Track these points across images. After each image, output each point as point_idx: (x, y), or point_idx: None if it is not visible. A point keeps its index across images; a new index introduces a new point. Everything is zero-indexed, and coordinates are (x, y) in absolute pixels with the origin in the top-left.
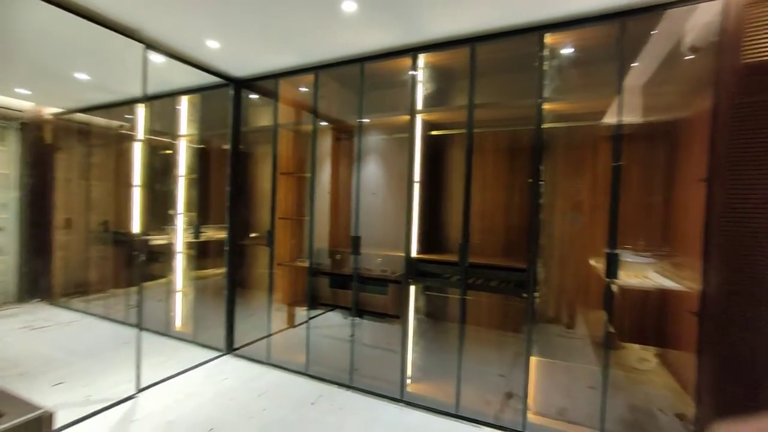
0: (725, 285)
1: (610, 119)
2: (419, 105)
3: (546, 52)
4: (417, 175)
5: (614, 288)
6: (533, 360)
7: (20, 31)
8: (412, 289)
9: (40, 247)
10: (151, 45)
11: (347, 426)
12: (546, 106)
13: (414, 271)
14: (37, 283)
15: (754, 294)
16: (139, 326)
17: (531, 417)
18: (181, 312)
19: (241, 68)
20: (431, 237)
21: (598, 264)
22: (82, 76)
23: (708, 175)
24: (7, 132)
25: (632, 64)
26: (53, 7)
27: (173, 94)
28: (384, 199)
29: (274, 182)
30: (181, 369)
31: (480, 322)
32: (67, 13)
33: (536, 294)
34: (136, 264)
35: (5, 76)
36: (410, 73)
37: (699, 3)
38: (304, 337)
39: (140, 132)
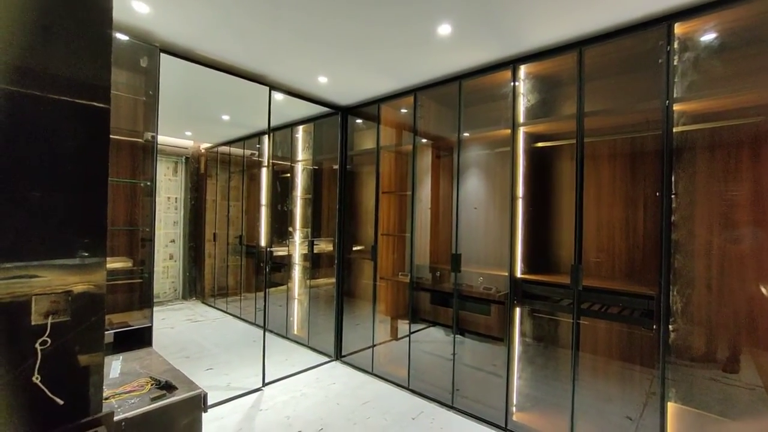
0: None
1: None
2: (521, 117)
3: (675, 45)
4: (520, 191)
5: None
6: (672, 406)
7: (187, 89)
8: (518, 310)
9: (196, 255)
10: (274, 86)
11: None
12: (677, 107)
13: (519, 292)
14: (195, 284)
15: None
16: (265, 328)
17: None
18: (297, 317)
19: (346, 97)
20: (538, 256)
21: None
22: (225, 117)
23: None
24: (178, 165)
25: None
26: (207, 68)
27: (291, 125)
28: (486, 216)
29: (377, 200)
30: (297, 370)
31: (597, 351)
32: (215, 71)
33: (671, 327)
34: (264, 273)
35: (180, 123)
36: (511, 84)
37: None
38: (405, 351)
39: (266, 159)
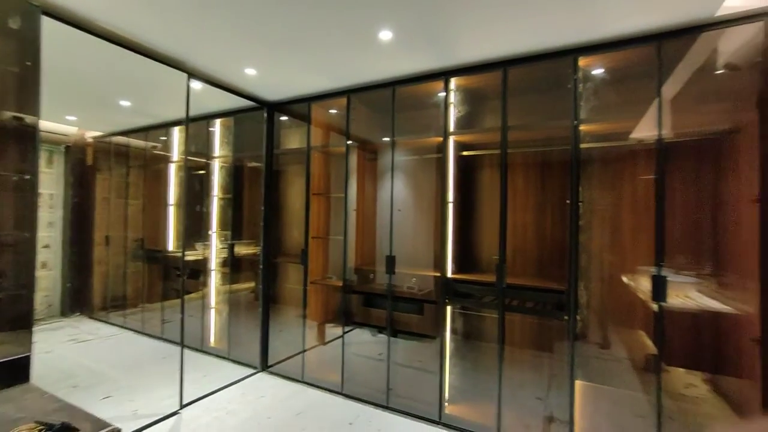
0: None
1: (646, 134)
2: (452, 127)
3: (579, 74)
4: (451, 196)
5: (654, 308)
6: (577, 384)
7: (74, 63)
8: (448, 309)
9: (81, 262)
10: (193, 74)
11: None
12: (583, 127)
13: (450, 291)
14: (78, 297)
15: None
16: (182, 343)
17: None
18: (215, 328)
19: (274, 93)
20: (464, 257)
21: (632, 282)
22: (125, 103)
23: (761, 196)
24: (54, 155)
25: (668, 82)
26: (108, 42)
27: (207, 117)
28: (412, 219)
29: (307, 202)
30: (219, 386)
31: (513, 342)
32: (120, 47)
33: (578, 317)
34: (172, 280)
35: (61, 105)
36: (440, 94)
37: (737, 25)
38: (335, 355)
39: (176, 153)
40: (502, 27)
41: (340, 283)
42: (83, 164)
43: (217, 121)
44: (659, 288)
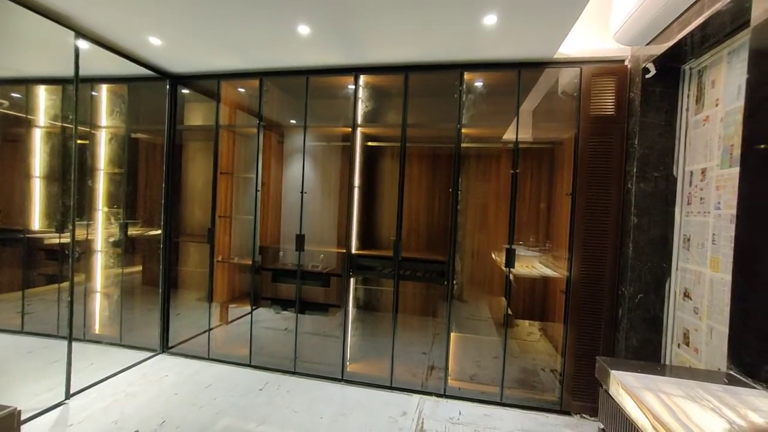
0: (580, 270)
1: (508, 137)
2: (360, 119)
3: (464, 86)
4: (357, 181)
5: (511, 276)
6: (453, 335)
7: None
8: (352, 281)
9: None
10: (82, 33)
11: (295, 403)
12: (464, 130)
13: (354, 264)
14: None
15: (596, 276)
16: (71, 322)
17: (450, 382)
18: (101, 314)
19: (180, 65)
20: (367, 235)
21: (498, 258)
22: None
23: (572, 191)
24: None
25: (530, 99)
26: None
27: (92, 80)
28: (319, 200)
29: (215, 181)
30: (113, 371)
31: (405, 310)
32: None
33: (455, 282)
34: (50, 264)
35: None
36: (350, 87)
37: (566, 67)
38: (242, 332)
39: (42, 117)
40: (403, 38)
41: (249, 262)
42: None
43: (104, 86)
44: (509, 258)
